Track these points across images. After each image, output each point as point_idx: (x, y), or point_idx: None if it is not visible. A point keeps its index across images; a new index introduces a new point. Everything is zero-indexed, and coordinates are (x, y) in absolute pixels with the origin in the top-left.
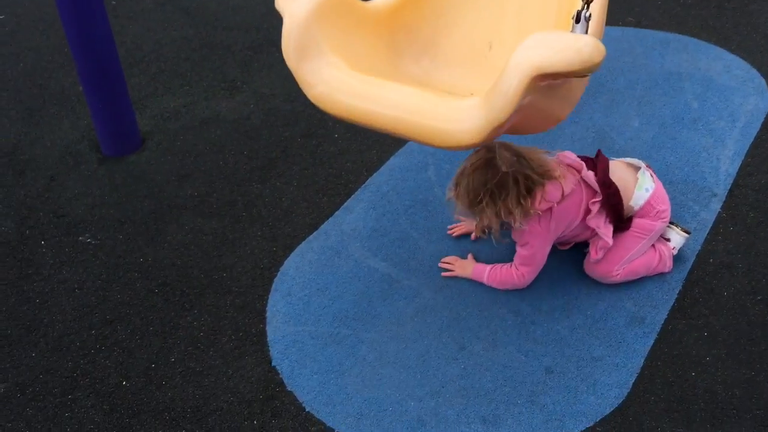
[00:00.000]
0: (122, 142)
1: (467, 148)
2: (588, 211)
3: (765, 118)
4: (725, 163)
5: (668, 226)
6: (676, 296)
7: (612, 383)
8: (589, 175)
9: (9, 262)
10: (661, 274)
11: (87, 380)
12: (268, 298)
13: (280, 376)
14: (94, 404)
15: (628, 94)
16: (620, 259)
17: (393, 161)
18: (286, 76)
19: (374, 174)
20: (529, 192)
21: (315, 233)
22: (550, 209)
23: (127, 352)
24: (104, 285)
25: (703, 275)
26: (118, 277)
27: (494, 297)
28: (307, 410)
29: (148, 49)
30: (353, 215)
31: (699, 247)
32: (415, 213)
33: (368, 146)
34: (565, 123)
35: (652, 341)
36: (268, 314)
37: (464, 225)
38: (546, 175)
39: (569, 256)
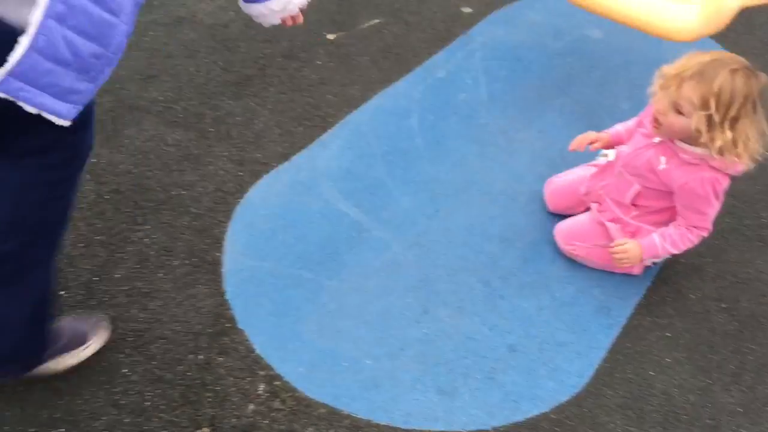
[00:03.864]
0: None
1: (677, 41)
2: None
3: None
4: None
5: None
6: (644, 292)
7: (572, 371)
8: None
9: None
10: None
11: None
12: (228, 226)
13: (232, 311)
14: None
15: (621, 74)
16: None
17: (376, 101)
18: None
19: (355, 111)
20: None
21: (286, 164)
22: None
23: (69, 260)
24: None
25: (673, 275)
26: None
27: (465, 264)
28: (257, 352)
29: None
30: (328, 152)
31: None
32: (393, 161)
33: (352, 80)
34: (554, 93)
35: (616, 334)
36: (226, 243)
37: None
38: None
39: (547, 235)
